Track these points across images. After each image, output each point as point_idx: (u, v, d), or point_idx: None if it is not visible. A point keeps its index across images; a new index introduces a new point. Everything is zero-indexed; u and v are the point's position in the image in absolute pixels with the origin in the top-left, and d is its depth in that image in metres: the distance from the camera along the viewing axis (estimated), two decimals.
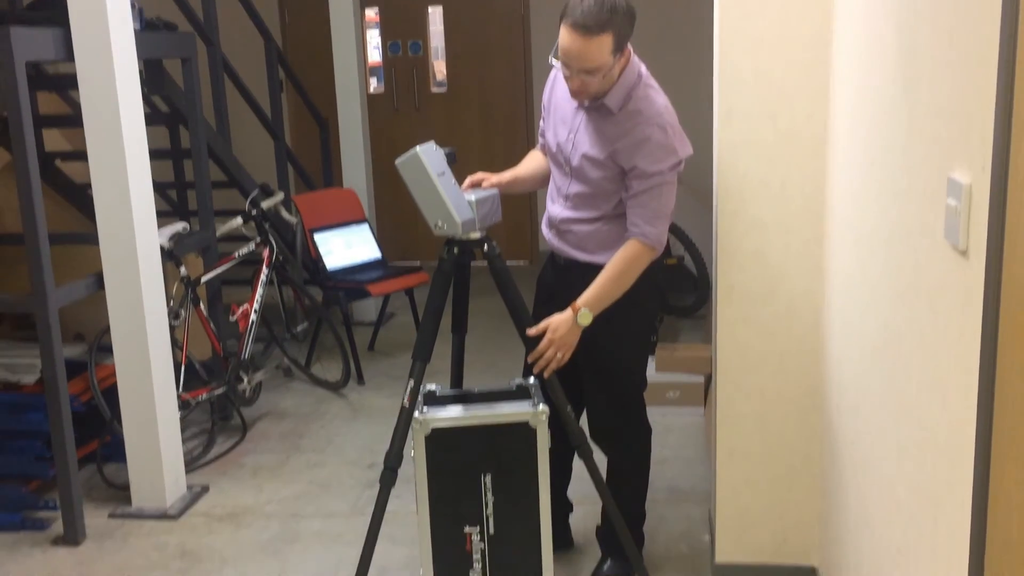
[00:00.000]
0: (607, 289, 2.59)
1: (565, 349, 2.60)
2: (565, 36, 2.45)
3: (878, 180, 1.89)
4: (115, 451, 3.73)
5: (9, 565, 3.20)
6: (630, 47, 2.54)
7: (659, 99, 2.58)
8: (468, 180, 2.74)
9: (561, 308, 2.63)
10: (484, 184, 2.75)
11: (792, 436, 2.75)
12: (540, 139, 2.91)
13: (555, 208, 2.79)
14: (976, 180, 1.30)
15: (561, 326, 2.59)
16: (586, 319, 2.58)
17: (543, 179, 2.92)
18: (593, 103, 2.61)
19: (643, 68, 2.61)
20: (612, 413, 2.87)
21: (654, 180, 2.53)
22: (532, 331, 2.62)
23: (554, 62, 2.54)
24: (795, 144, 2.58)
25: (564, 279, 2.79)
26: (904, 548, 1.72)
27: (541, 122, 2.87)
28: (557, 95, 2.77)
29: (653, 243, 2.58)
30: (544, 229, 2.88)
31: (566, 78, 2.55)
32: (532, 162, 2.95)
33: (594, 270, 2.63)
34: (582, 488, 3.19)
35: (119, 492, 3.63)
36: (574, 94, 2.58)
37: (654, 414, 3.01)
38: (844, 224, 2.31)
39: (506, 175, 2.84)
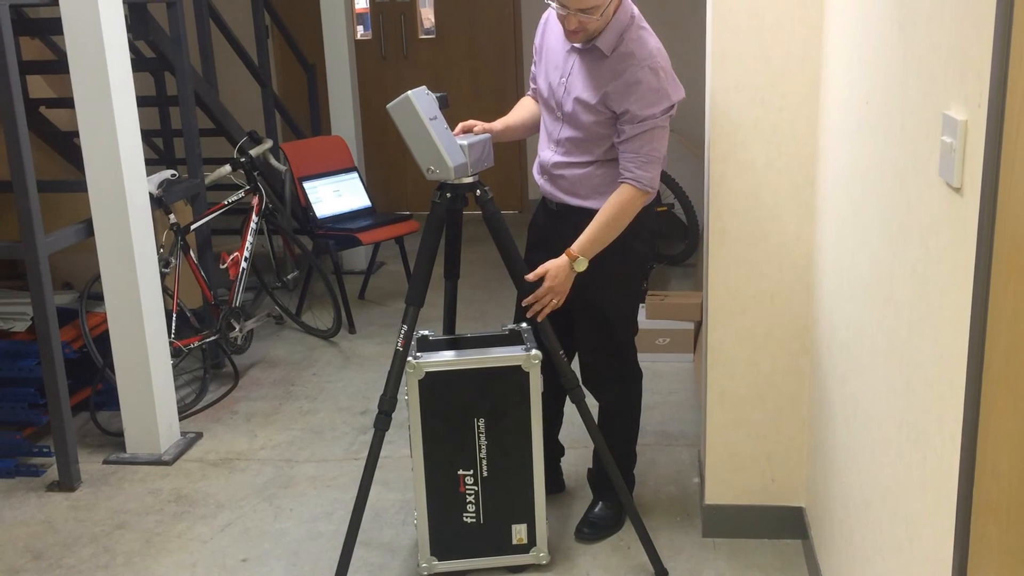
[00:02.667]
0: (600, 234, 2.59)
1: (560, 295, 2.62)
2: None
3: (872, 119, 1.89)
4: (108, 399, 3.74)
5: (5, 511, 3.22)
6: None
7: (652, 41, 2.56)
8: (459, 127, 2.72)
9: (553, 253, 2.64)
10: (475, 130, 2.73)
11: (781, 378, 2.78)
12: (531, 84, 2.88)
13: (546, 153, 2.78)
14: (972, 116, 1.30)
15: (560, 272, 2.60)
16: (582, 266, 2.59)
17: (534, 127, 2.90)
18: (585, 45, 2.59)
19: (635, 10, 2.59)
20: (604, 358, 2.89)
21: (646, 124, 2.52)
22: (531, 276, 2.63)
23: (552, 3, 2.51)
24: (788, 87, 2.57)
25: (556, 224, 2.78)
26: (892, 485, 1.75)
27: (533, 67, 2.85)
28: (549, 39, 2.75)
29: (646, 187, 2.57)
30: (536, 175, 2.87)
31: (562, 19, 2.52)
32: (523, 110, 2.93)
33: (587, 215, 2.63)
34: (573, 432, 3.23)
35: (113, 439, 3.65)
36: (571, 35, 2.56)
37: (644, 360, 3.03)
38: (837, 165, 2.31)
39: (497, 123, 2.82)
